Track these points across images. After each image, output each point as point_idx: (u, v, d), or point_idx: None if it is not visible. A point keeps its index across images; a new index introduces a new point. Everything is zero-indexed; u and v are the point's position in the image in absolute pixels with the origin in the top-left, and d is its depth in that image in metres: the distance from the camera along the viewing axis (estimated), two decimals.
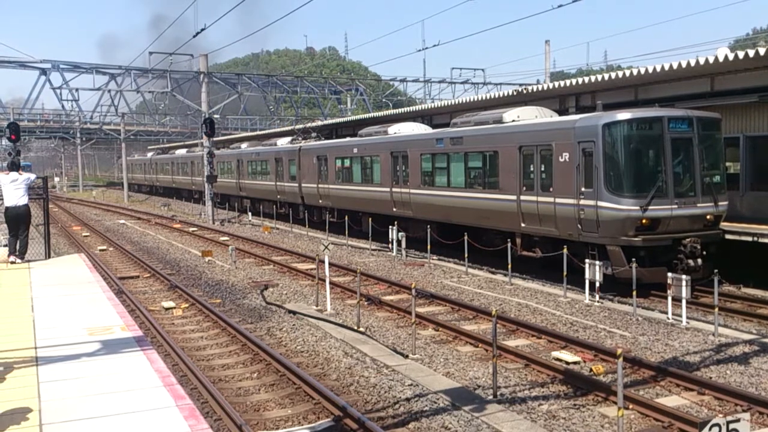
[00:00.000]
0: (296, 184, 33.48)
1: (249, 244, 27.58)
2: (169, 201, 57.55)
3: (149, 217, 41.12)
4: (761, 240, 15.31)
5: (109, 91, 52.79)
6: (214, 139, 40.89)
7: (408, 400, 9.20)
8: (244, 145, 44.75)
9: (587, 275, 15.13)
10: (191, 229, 33.63)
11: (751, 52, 15.43)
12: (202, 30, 28.54)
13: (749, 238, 15.64)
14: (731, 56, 15.92)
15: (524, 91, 23.63)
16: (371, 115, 36.10)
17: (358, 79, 65.59)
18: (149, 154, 76.66)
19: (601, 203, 15.51)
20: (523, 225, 18.22)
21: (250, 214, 39.60)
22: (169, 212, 45.92)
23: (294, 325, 13.66)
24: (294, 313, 14.66)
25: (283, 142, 37.21)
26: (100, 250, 26.34)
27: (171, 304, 15.89)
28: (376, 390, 9.64)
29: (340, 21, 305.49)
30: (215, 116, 43.83)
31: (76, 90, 55.25)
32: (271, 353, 11.19)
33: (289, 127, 45.47)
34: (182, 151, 60.98)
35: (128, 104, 65.26)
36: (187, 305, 15.84)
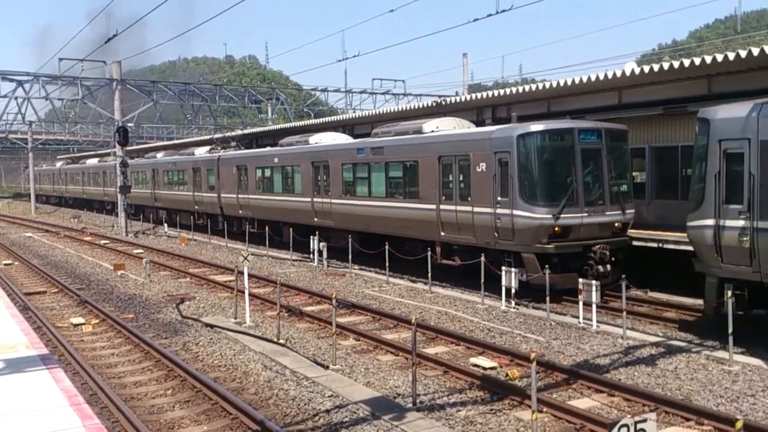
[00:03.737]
0: (215, 195, 32.86)
1: (165, 256, 26.80)
2: (80, 213, 55.46)
3: (58, 230, 39.35)
4: (666, 246, 16.10)
5: (16, 98, 50.26)
6: (128, 148, 39.64)
7: (328, 411, 9.13)
8: (160, 155, 43.65)
9: (504, 282, 15.49)
10: (103, 241, 32.43)
11: (656, 67, 16.26)
12: (114, 36, 27.60)
13: (654, 245, 16.42)
14: (637, 70, 16.71)
15: (443, 103, 24.07)
16: (292, 124, 35.90)
17: (278, 88, 64.94)
18: (58, 164, 73.50)
19: (516, 212, 15.93)
20: (442, 234, 18.48)
21: (166, 225, 38.56)
22: (80, 224, 44.18)
23: (211, 339, 13.34)
24: (211, 326, 14.31)
25: (201, 152, 36.54)
26: (5, 265, 25.00)
27: (80, 320, 15.24)
28: (296, 402, 9.52)
29: (260, 30, 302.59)
30: (129, 125, 42.47)
31: None
32: (186, 368, 10.88)
33: (208, 137, 44.58)
34: (94, 161, 59.05)
35: (36, 112, 62.30)
36: (97, 321, 15.22)
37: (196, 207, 35.50)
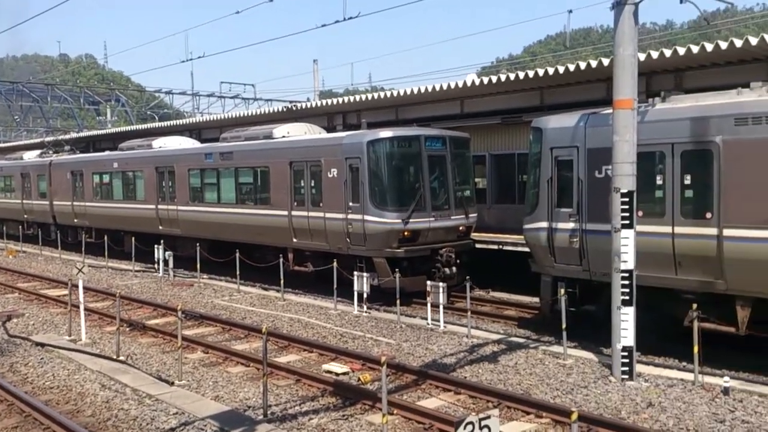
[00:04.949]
0: (47, 202, 30.54)
1: None
2: None
3: None
4: (505, 248, 17.02)
5: None
6: None
7: (173, 430, 8.68)
8: None
9: (356, 287, 15.62)
10: None
11: (494, 79, 17.19)
12: None
13: (495, 246, 17.31)
14: (477, 81, 17.58)
15: (294, 108, 23.98)
16: (134, 127, 34.23)
17: (118, 89, 61.54)
18: None
19: (367, 217, 16.14)
20: (295, 240, 18.32)
21: None
22: None
23: (42, 358, 12.27)
24: (42, 345, 13.18)
25: (31, 156, 33.94)
26: None
27: None
28: (137, 423, 8.96)
29: (98, 27, 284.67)
30: None
31: None
32: (13, 392, 9.93)
33: (39, 140, 41.31)
34: None
35: None
36: None
37: (26, 216, 32.86)
